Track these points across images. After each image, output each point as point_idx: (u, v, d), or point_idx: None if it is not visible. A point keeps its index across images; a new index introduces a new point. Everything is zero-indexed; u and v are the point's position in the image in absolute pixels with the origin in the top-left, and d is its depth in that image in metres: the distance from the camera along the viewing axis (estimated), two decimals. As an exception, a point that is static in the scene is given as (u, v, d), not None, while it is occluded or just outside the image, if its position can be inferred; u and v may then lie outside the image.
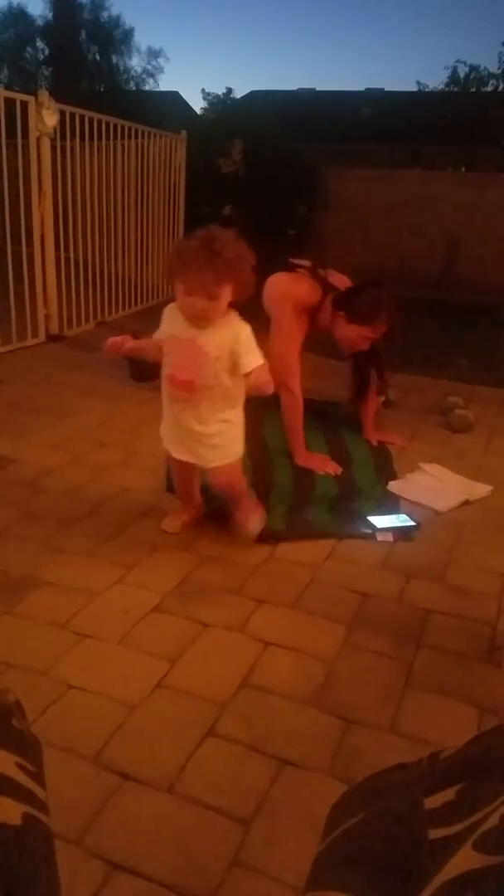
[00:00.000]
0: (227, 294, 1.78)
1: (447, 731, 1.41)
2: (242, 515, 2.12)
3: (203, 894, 1.07)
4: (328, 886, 0.56)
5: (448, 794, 0.56)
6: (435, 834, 0.53)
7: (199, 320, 1.81)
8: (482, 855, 0.46)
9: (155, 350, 1.97)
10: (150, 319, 3.70)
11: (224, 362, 1.85)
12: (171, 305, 1.90)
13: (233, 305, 1.83)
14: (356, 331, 2.67)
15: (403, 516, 2.33)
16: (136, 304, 5.38)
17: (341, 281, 2.85)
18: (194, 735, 1.38)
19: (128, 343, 1.96)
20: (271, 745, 1.37)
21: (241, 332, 1.85)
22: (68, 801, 1.21)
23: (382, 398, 3.35)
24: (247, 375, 1.86)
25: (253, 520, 2.12)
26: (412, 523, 2.29)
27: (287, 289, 2.74)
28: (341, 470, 2.65)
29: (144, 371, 3.64)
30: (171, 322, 1.89)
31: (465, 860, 0.47)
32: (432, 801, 0.57)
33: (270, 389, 1.91)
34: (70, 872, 1.09)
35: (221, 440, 1.99)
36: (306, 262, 2.90)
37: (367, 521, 2.27)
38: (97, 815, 1.19)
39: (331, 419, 3.16)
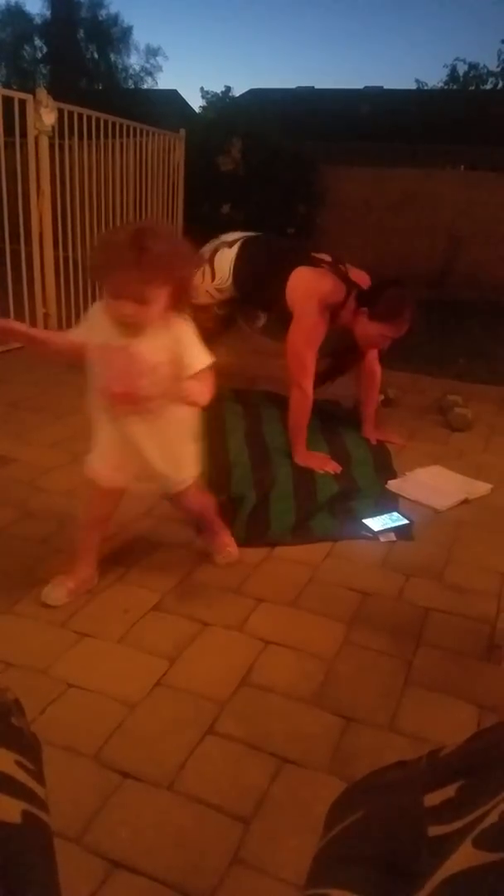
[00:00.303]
0: (161, 297, 1.52)
1: (447, 729, 1.42)
2: (217, 547, 2.03)
3: (203, 892, 1.07)
4: (328, 884, 0.57)
5: (448, 792, 0.56)
6: (435, 831, 0.54)
7: (128, 327, 1.56)
8: (482, 852, 0.46)
9: (69, 350, 1.68)
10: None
11: (167, 368, 1.59)
12: (100, 304, 1.63)
13: (174, 308, 1.59)
14: (377, 329, 2.64)
15: (396, 515, 2.33)
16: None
17: (361, 278, 2.82)
18: (194, 733, 1.38)
19: (15, 327, 1.63)
20: (271, 743, 1.37)
21: (182, 333, 1.61)
22: (68, 799, 1.21)
23: (382, 397, 3.35)
24: (192, 378, 1.59)
25: (226, 553, 2.02)
26: (405, 521, 2.29)
27: (314, 286, 2.69)
28: (341, 469, 2.64)
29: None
30: (100, 325, 1.60)
31: (465, 857, 0.47)
32: (432, 799, 0.57)
33: (204, 402, 1.60)
34: (70, 870, 1.09)
35: (185, 453, 1.78)
36: (327, 257, 2.88)
37: (363, 524, 2.26)
38: (97, 813, 1.19)
39: (330, 418, 3.16)
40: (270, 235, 3.26)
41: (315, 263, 2.80)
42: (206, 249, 3.05)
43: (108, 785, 1.25)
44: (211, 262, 2.98)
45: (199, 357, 1.61)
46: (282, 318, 2.83)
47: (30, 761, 0.61)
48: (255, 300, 2.98)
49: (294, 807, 1.23)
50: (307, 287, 2.69)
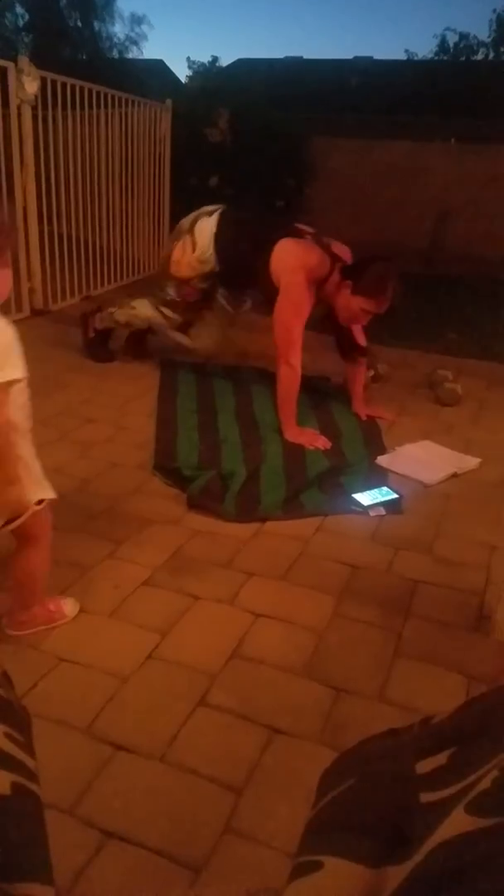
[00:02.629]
0: None
1: (436, 699, 1.43)
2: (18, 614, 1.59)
3: (196, 861, 1.08)
4: (320, 851, 0.57)
5: (440, 759, 0.56)
6: (426, 798, 0.54)
7: None
8: (475, 818, 0.46)
9: None
10: (136, 294, 3.66)
11: None
12: None
13: None
14: (359, 303, 2.62)
15: (385, 489, 2.33)
16: (121, 277, 5.30)
17: (344, 252, 2.80)
18: (186, 705, 1.39)
19: None
20: (262, 714, 1.38)
21: None
22: (61, 771, 1.22)
23: (371, 372, 3.34)
24: None
25: (15, 625, 1.59)
26: (395, 495, 2.30)
27: (301, 257, 2.65)
28: (330, 444, 2.64)
29: (105, 353, 3.51)
30: None
31: (457, 823, 0.47)
32: (424, 766, 0.57)
33: None
34: (64, 841, 1.09)
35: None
36: (310, 229, 2.83)
37: (353, 498, 2.27)
38: (90, 785, 1.20)
39: (320, 394, 3.15)
40: (250, 208, 3.22)
41: (299, 235, 2.76)
42: (185, 221, 3.00)
43: (100, 757, 1.26)
44: (191, 232, 2.93)
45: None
46: (265, 291, 2.79)
47: (19, 733, 0.61)
48: (238, 273, 2.92)
49: (285, 776, 1.24)
50: (294, 259, 2.66)
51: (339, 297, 2.66)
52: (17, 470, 1.32)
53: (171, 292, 3.10)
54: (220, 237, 2.87)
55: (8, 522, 1.40)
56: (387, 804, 0.58)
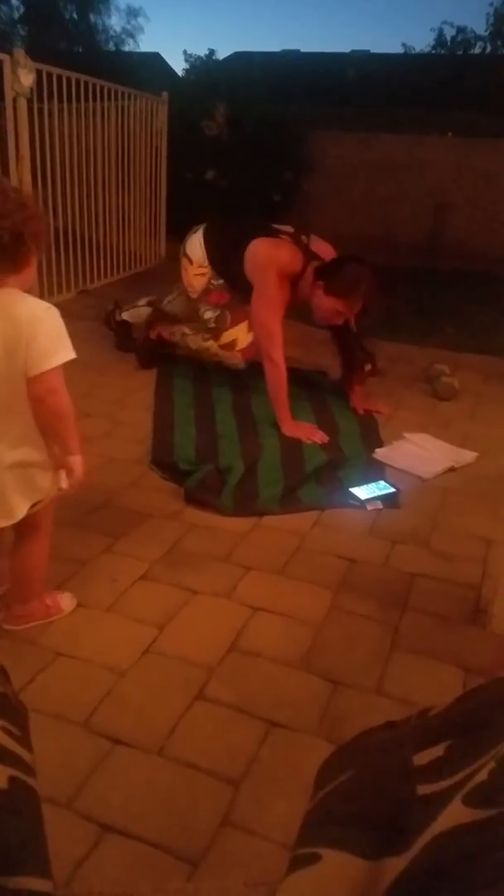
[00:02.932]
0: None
1: (432, 692, 1.44)
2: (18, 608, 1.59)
3: (194, 854, 1.09)
4: (318, 843, 0.57)
5: (437, 751, 0.57)
6: (424, 790, 0.54)
7: None
8: (472, 809, 0.46)
9: None
10: (133, 287, 3.65)
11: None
12: None
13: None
14: (331, 303, 2.66)
15: (383, 484, 2.34)
16: (118, 271, 5.28)
17: (324, 249, 2.82)
18: (183, 699, 1.39)
19: None
20: (260, 707, 1.38)
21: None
22: (59, 766, 1.22)
23: (368, 367, 3.34)
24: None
25: (13, 620, 1.58)
26: (392, 489, 2.30)
27: (270, 254, 2.70)
28: (328, 439, 2.64)
29: (128, 342, 3.59)
30: None
31: (454, 815, 0.47)
32: (421, 758, 0.57)
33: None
34: (62, 835, 1.10)
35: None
36: (289, 228, 2.86)
37: (351, 493, 2.27)
38: (88, 778, 1.20)
39: (317, 388, 3.15)
40: (229, 218, 3.27)
41: (274, 234, 2.79)
42: (180, 251, 3.06)
43: (98, 751, 1.26)
44: (185, 253, 3.00)
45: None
46: (245, 292, 2.81)
47: (16, 727, 0.61)
48: (225, 277, 2.96)
49: (283, 769, 1.25)
50: (264, 256, 2.70)
51: (314, 297, 2.70)
52: (77, 441, 1.42)
53: (210, 315, 3.04)
54: (209, 246, 2.95)
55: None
56: (385, 796, 0.58)
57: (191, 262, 2.98)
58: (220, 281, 2.97)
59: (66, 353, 1.35)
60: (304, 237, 2.81)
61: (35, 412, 1.36)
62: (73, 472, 1.43)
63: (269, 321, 2.68)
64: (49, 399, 1.34)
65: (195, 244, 2.97)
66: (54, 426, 1.39)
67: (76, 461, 1.43)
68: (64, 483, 1.45)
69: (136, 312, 3.53)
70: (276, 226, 2.86)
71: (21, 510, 1.41)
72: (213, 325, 3.04)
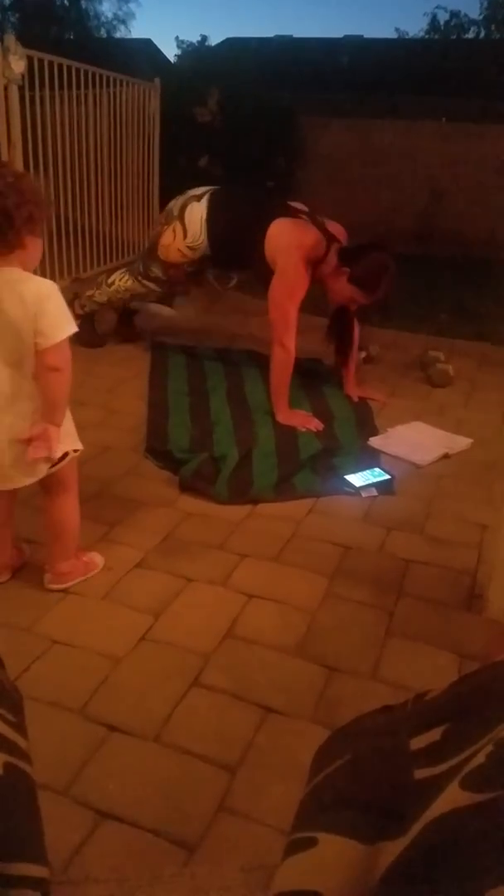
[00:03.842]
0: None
1: (428, 678, 1.44)
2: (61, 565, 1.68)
3: (190, 840, 1.09)
4: (315, 827, 0.57)
5: (433, 735, 0.57)
6: (421, 774, 0.54)
7: None
8: (469, 793, 0.46)
9: None
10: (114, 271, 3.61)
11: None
12: None
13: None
14: (352, 291, 2.62)
15: (377, 470, 2.33)
16: (111, 259, 5.24)
17: (337, 230, 2.76)
18: (179, 686, 1.39)
19: None
20: (255, 693, 1.38)
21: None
22: (55, 753, 1.22)
23: (363, 354, 3.33)
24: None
25: (59, 579, 1.67)
26: (387, 476, 2.30)
27: (297, 238, 2.63)
28: (323, 426, 2.63)
29: (94, 337, 3.46)
30: None
31: (452, 798, 0.47)
32: (418, 742, 0.57)
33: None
34: (59, 822, 1.10)
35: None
36: (304, 207, 2.80)
37: (345, 480, 2.27)
38: (84, 766, 1.21)
39: (312, 376, 3.14)
40: (238, 187, 3.18)
41: (294, 214, 2.73)
42: (174, 206, 2.94)
43: (94, 738, 1.26)
44: (181, 218, 2.87)
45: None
46: (260, 274, 2.76)
47: (11, 714, 0.60)
48: (232, 256, 2.88)
49: (279, 755, 1.25)
50: (290, 239, 2.63)
51: (335, 282, 2.65)
52: (62, 415, 1.50)
53: (157, 272, 3.05)
54: (211, 222, 2.82)
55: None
56: (381, 781, 0.58)
57: (185, 234, 2.86)
58: (192, 269, 2.96)
59: (72, 325, 1.44)
60: (318, 217, 2.75)
61: (44, 381, 1.42)
62: (49, 441, 1.46)
63: (286, 306, 2.63)
64: (63, 368, 1.42)
65: (196, 216, 2.83)
66: (55, 396, 1.45)
67: (55, 431, 1.46)
68: (33, 451, 1.45)
69: (110, 291, 3.27)
70: (291, 203, 2.81)
71: (42, 468, 1.50)
72: (155, 274, 3.06)
